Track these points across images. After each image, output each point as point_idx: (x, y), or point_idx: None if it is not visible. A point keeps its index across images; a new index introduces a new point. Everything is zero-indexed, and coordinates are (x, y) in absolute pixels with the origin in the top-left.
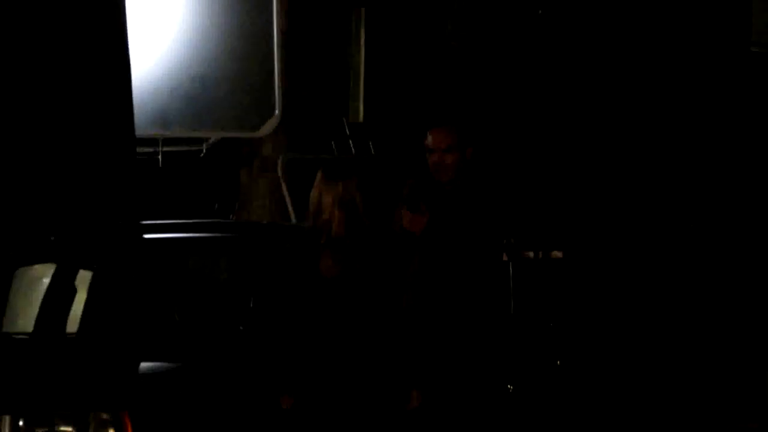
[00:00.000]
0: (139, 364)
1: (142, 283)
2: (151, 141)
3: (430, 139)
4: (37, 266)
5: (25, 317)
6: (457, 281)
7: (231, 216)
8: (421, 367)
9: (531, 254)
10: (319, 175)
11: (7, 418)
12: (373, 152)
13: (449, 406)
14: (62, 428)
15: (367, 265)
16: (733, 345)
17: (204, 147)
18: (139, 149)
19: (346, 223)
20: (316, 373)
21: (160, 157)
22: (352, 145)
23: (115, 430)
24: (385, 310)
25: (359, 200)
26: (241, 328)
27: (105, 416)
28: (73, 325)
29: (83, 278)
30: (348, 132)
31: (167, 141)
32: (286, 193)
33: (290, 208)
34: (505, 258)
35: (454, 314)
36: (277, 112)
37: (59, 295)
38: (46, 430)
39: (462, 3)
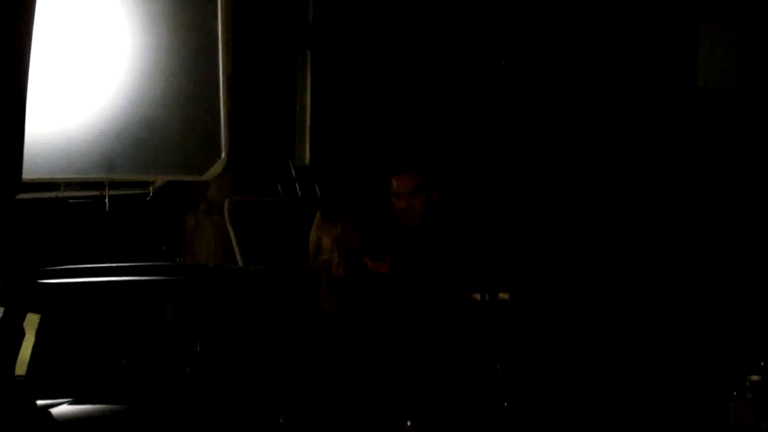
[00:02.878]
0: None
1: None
2: (97, 185)
3: (394, 184)
4: None
5: None
6: (428, 322)
7: (178, 259)
8: (412, 397)
9: (477, 296)
10: (317, 216)
11: None
12: (319, 194)
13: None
14: None
15: (366, 302)
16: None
17: (150, 190)
18: (86, 192)
19: (345, 264)
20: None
21: (106, 200)
22: (298, 188)
23: None
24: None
25: (357, 240)
26: (187, 370)
27: None
28: (21, 367)
29: (31, 321)
30: (294, 174)
31: (113, 184)
32: (232, 235)
33: (236, 250)
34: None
35: (427, 355)
36: (223, 155)
37: (7, 338)
38: None
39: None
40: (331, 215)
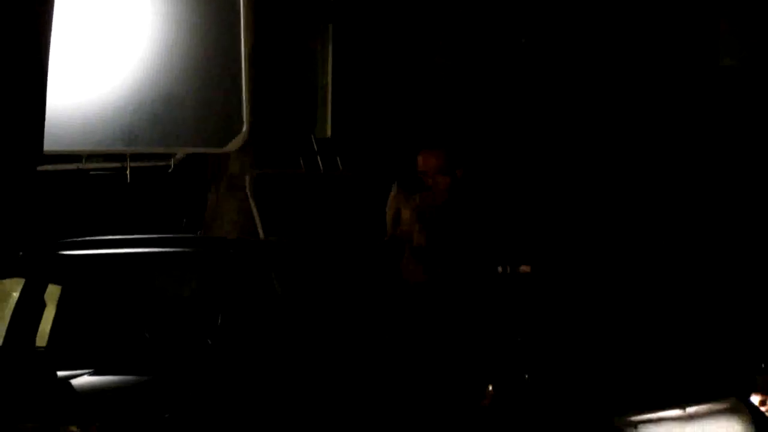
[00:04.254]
0: (107, 378)
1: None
2: (118, 157)
3: (421, 162)
4: (5, 281)
5: None
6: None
7: (198, 231)
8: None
9: (499, 269)
10: (394, 187)
11: None
12: (341, 168)
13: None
14: None
15: (449, 269)
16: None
17: (172, 162)
18: (107, 165)
19: (427, 233)
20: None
21: (128, 173)
22: (320, 161)
23: None
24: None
25: (435, 210)
26: (209, 342)
27: (74, 430)
28: (42, 339)
29: (52, 293)
30: (316, 148)
31: (135, 157)
32: (254, 208)
33: (258, 224)
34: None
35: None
36: (244, 128)
37: (28, 309)
38: None
39: (449, 27)
40: (409, 187)
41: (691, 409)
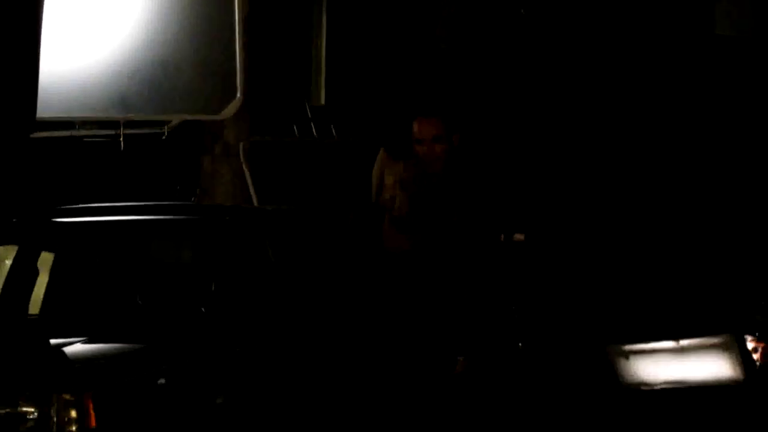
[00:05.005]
0: (100, 346)
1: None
2: (112, 124)
3: (416, 129)
4: None
5: None
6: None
7: (192, 199)
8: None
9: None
10: (381, 153)
11: None
12: (335, 135)
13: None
14: (25, 409)
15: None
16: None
17: (166, 130)
18: (101, 131)
19: (409, 201)
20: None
21: (121, 140)
22: (314, 128)
23: (78, 411)
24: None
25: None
26: (202, 310)
27: (68, 397)
28: (35, 306)
29: (45, 260)
30: (310, 115)
31: (129, 124)
32: (248, 176)
33: (253, 192)
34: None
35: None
36: (239, 95)
37: (21, 276)
38: (9, 411)
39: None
40: (395, 153)
41: (684, 342)
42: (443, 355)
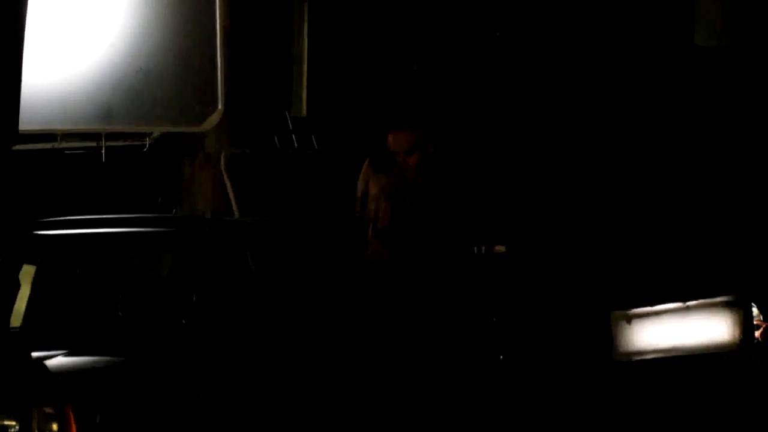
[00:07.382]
0: (82, 358)
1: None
2: (94, 136)
3: (391, 142)
4: None
5: None
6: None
7: (174, 211)
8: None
9: (475, 249)
10: (366, 164)
11: None
12: (316, 147)
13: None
14: (5, 422)
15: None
16: None
17: (147, 141)
18: (83, 143)
19: (391, 212)
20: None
21: (103, 151)
22: (295, 140)
23: (59, 424)
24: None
25: (402, 189)
26: (183, 321)
27: (48, 410)
28: (17, 319)
29: (27, 273)
30: (291, 126)
31: (110, 136)
32: (229, 187)
33: (233, 203)
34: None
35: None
36: (220, 106)
37: (2, 289)
38: None
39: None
40: (379, 164)
41: (690, 303)
42: (427, 364)
